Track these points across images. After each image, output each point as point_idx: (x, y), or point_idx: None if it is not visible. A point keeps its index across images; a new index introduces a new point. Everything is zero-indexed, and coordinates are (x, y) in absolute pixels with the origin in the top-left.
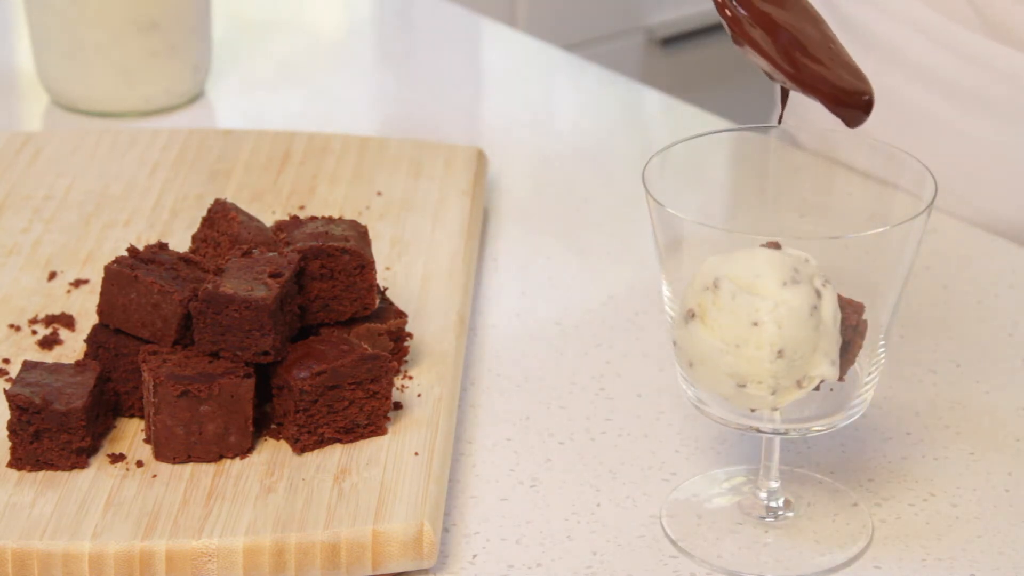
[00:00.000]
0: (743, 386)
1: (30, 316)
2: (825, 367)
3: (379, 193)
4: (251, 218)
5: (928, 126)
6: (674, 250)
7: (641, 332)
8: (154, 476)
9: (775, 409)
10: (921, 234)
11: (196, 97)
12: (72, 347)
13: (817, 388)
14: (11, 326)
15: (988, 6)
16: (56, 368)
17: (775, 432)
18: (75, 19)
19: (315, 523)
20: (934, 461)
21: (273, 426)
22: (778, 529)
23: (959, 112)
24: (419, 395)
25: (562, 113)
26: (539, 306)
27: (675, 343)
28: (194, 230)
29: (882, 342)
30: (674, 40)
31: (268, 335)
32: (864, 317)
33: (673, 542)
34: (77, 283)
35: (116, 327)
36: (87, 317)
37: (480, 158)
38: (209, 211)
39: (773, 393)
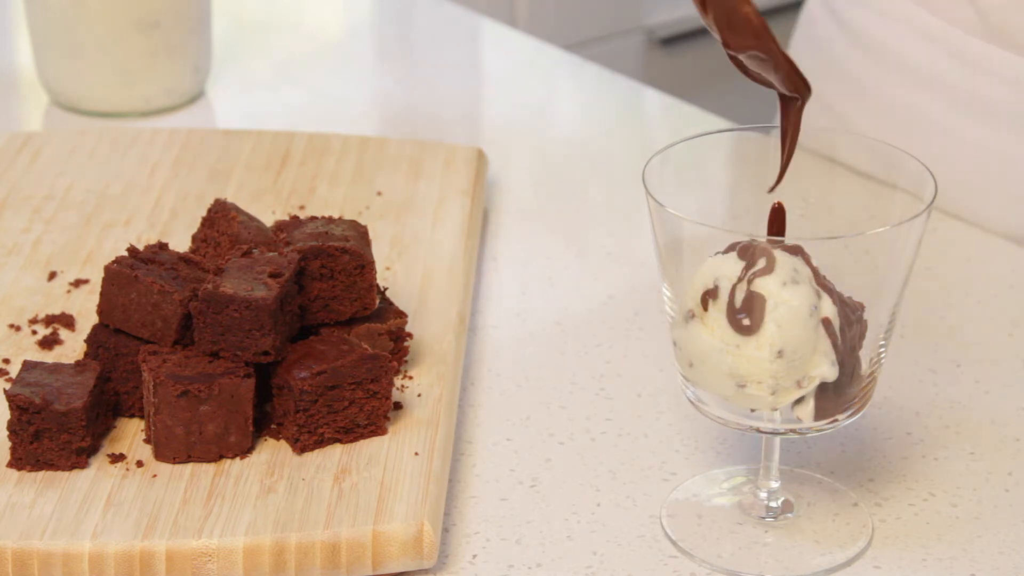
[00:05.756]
0: (743, 386)
1: (30, 316)
2: (825, 367)
3: (379, 193)
4: (251, 218)
5: (930, 131)
6: (674, 250)
7: (641, 332)
8: (154, 476)
9: (775, 409)
10: (921, 234)
11: (196, 97)
12: (72, 347)
13: None
14: (11, 326)
15: (991, 11)
16: (56, 368)
17: (775, 432)
18: (75, 19)
19: (315, 523)
20: (934, 461)
21: (273, 426)
22: (778, 529)
23: (961, 117)
24: (419, 395)
25: (562, 113)
26: (539, 306)
27: (675, 343)
28: (194, 230)
29: (882, 342)
30: (674, 40)
31: (268, 335)
32: (864, 317)
33: (673, 542)
34: (77, 283)
35: (116, 327)
36: (87, 317)
37: (480, 158)
38: (209, 211)
39: (773, 393)
